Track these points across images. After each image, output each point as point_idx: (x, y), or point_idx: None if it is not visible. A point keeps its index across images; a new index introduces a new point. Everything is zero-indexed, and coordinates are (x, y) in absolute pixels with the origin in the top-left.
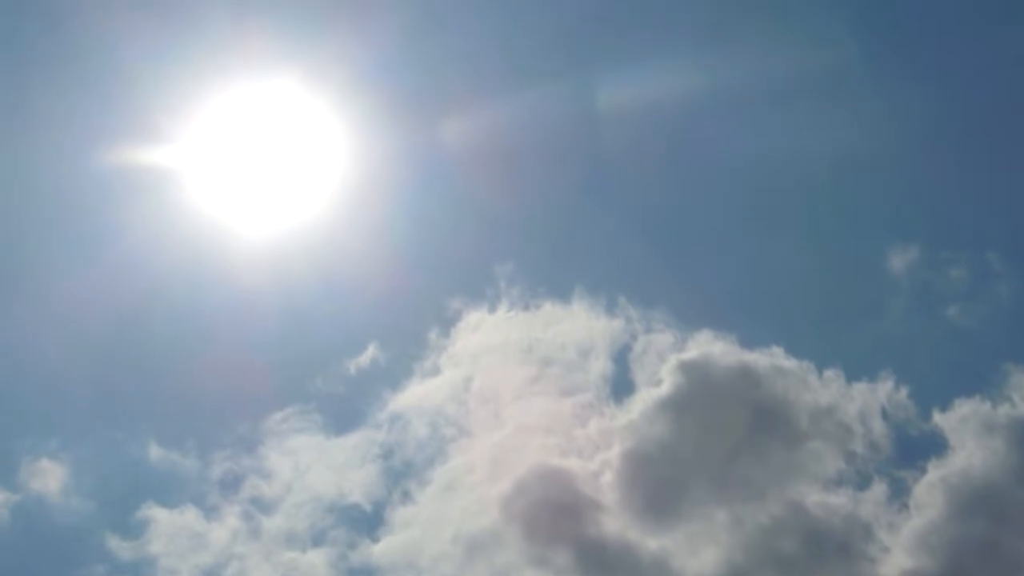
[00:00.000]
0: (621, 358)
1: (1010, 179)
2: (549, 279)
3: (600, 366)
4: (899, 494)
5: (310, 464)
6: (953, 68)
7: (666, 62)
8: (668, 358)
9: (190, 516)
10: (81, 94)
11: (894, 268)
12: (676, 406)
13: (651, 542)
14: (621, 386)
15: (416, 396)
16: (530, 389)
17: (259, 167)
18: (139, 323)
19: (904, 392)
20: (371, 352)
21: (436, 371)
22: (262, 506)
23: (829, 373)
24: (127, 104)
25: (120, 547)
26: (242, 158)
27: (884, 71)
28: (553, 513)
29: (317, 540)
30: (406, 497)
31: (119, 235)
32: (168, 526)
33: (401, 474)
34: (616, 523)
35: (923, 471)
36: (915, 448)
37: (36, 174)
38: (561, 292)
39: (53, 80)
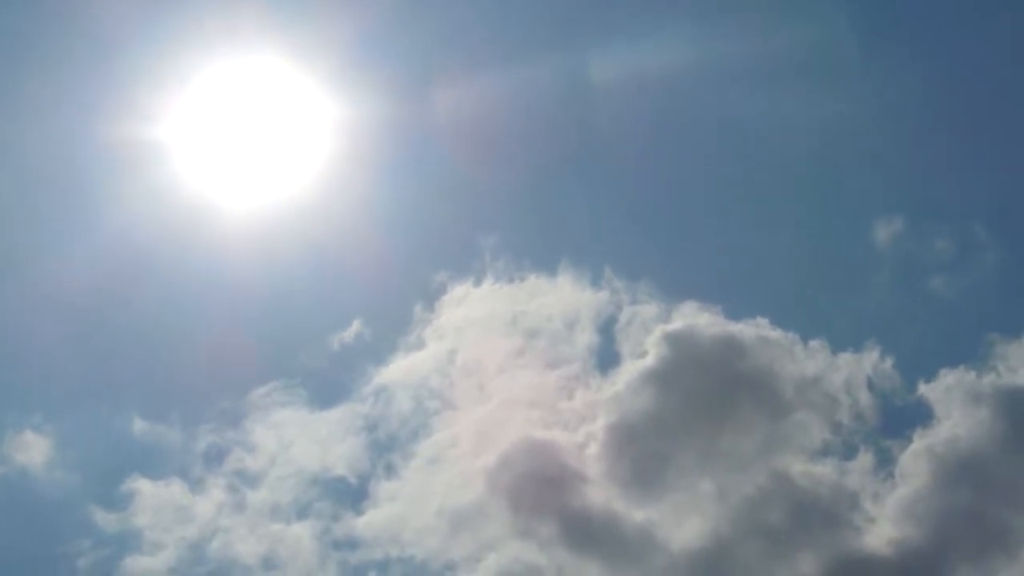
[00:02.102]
0: (606, 330)
1: (994, 150)
2: (534, 251)
3: (585, 338)
4: (884, 464)
5: (294, 438)
6: (939, 42)
7: (652, 37)
8: (653, 330)
9: (175, 489)
10: (69, 72)
11: (879, 239)
12: (661, 377)
13: (636, 513)
14: (606, 358)
15: (401, 370)
16: (515, 362)
17: (245, 143)
18: (124, 297)
19: (889, 362)
20: (356, 327)
21: (421, 344)
22: (247, 479)
23: (814, 344)
24: (115, 81)
25: (105, 519)
26: (228, 134)
27: (870, 45)
28: (538, 486)
29: (301, 513)
30: (390, 471)
31: (105, 210)
32: (153, 499)
33: (385, 448)
34: (601, 495)
35: (909, 441)
36: (900, 418)
37: (23, 151)
38: (546, 264)
39: (41, 59)
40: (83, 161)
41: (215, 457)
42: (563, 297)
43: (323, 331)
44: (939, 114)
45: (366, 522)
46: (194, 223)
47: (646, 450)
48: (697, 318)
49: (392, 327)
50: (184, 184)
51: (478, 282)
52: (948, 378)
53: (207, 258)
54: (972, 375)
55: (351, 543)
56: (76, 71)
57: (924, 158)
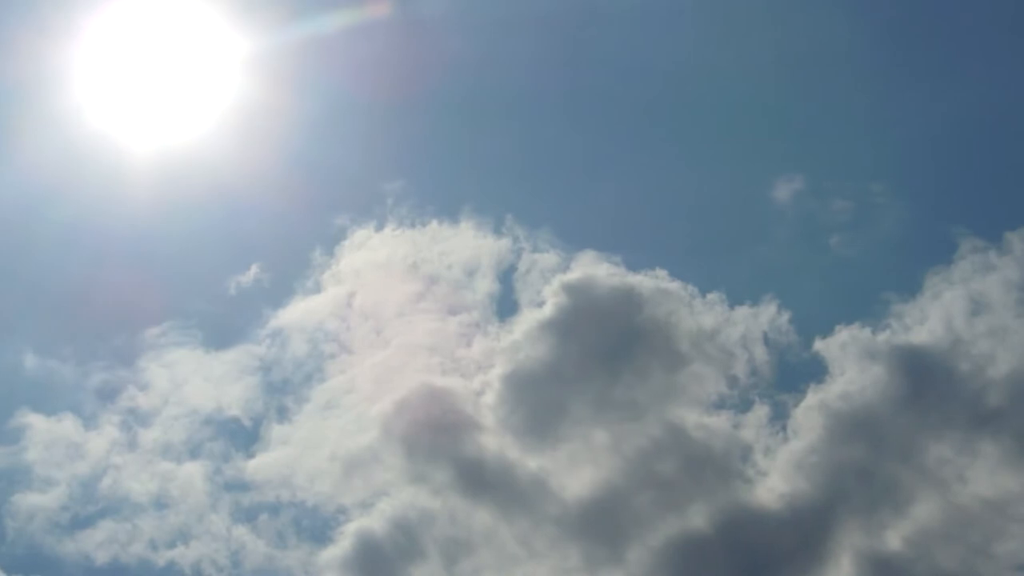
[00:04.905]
0: (506, 278)
1: (897, 111)
2: (437, 197)
3: (485, 285)
4: (778, 418)
5: (188, 377)
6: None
7: None
8: (552, 279)
9: (67, 425)
10: None
11: (779, 196)
12: (559, 327)
13: (530, 461)
14: (505, 306)
15: (297, 313)
16: (414, 307)
17: (145, 79)
18: (20, 232)
19: (786, 317)
20: (254, 271)
21: (318, 288)
22: (139, 417)
23: (712, 296)
24: (15, 10)
25: None
26: (128, 69)
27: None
28: (433, 432)
29: (193, 453)
30: (283, 414)
31: (3, 143)
32: (44, 434)
33: (279, 390)
34: (496, 442)
35: (803, 396)
36: (795, 373)
37: None
38: (449, 210)
39: None
40: None
41: (108, 394)
42: (464, 243)
43: (221, 274)
44: (842, 73)
45: (257, 465)
46: (93, 159)
47: (542, 399)
48: (596, 268)
49: (290, 271)
50: (83, 119)
51: (380, 227)
52: (843, 334)
53: (105, 195)
54: (867, 332)
55: (242, 485)
56: None
57: (825, 117)
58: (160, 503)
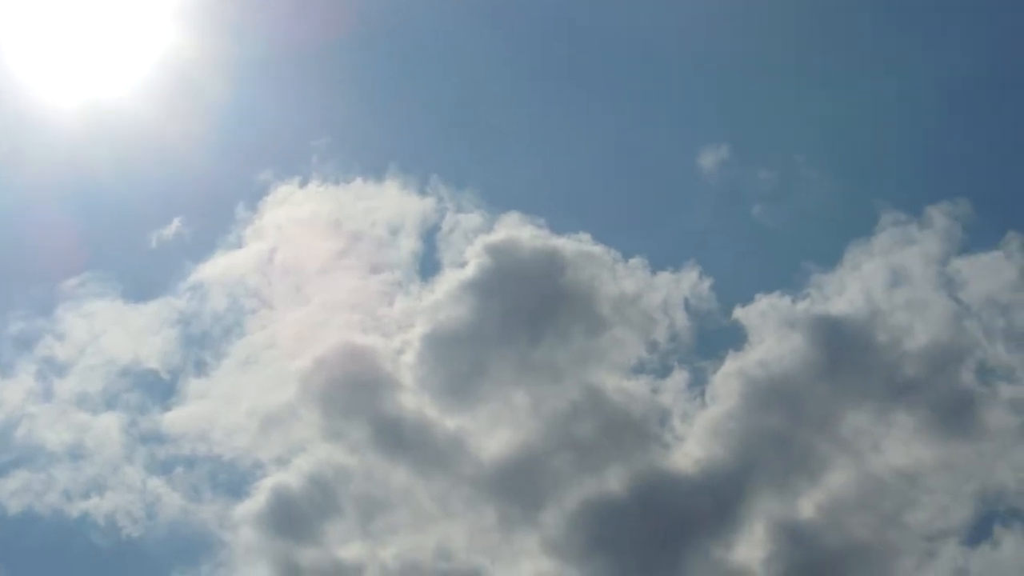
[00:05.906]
0: (429, 237)
1: (822, 83)
2: (363, 155)
3: (409, 244)
4: (697, 384)
5: (106, 328)
6: None
7: None
8: (475, 240)
9: None
10: None
11: (704, 165)
12: (480, 288)
13: (449, 421)
14: (428, 266)
15: (218, 267)
16: (336, 264)
17: (68, 32)
18: None
19: (707, 284)
20: (176, 225)
21: (240, 243)
22: (55, 367)
23: (635, 261)
24: None
25: None
26: (51, 22)
27: None
28: (352, 390)
29: (109, 404)
30: (201, 368)
31: None
32: None
33: (198, 344)
34: (415, 401)
35: (721, 362)
36: (715, 340)
37: None
38: (374, 168)
39: None
40: None
41: (24, 343)
42: (388, 202)
43: (143, 226)
44: (769, 45)
45: (174, 418)
46: (14, 109)
47: (462, 360)
48: (520, 230)
49: (212, 225)
50: (4, 69)
51: (304, 183)
52: (763, 303)
53: (27, 146)
54: (787, 301)
55: (158, 438)
56: None
57: (751, 88)
58: (75, 454)
